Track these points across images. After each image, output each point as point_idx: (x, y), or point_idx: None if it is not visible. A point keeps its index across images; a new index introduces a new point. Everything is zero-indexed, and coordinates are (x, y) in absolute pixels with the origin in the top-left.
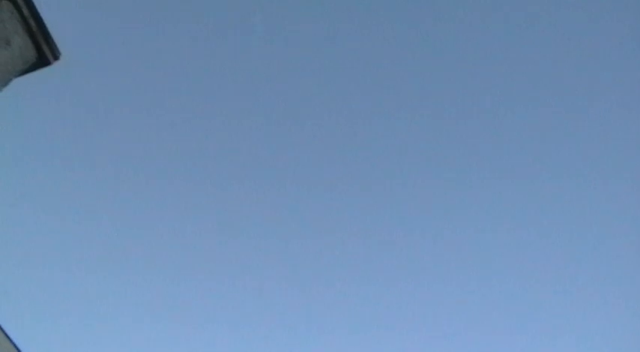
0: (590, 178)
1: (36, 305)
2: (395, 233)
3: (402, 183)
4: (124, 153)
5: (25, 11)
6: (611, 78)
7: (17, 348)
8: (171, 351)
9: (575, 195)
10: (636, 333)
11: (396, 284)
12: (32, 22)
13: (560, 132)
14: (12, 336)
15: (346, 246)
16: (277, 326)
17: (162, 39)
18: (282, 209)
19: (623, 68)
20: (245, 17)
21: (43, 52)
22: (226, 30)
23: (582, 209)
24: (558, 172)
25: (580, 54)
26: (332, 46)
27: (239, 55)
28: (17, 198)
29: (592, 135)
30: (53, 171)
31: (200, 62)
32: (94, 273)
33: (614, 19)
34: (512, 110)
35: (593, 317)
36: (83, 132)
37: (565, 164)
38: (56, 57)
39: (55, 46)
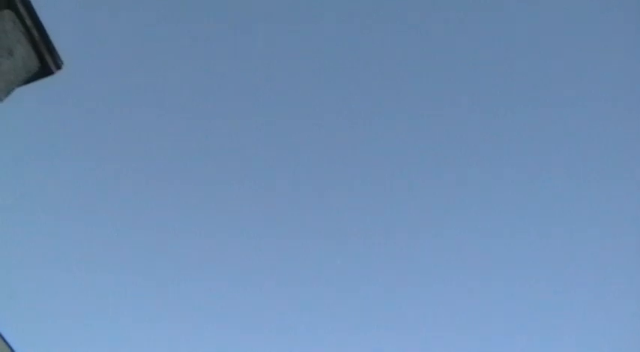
0: (590, 178)
1: (31, 306)
2: (394, 233)
3: (401, 183)
4: (125, 160)
5: (28, 21)
6: (611, 78)
7: (11, 348)
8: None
9: (574, 194)
10: (636, 333)
11: (395, 284)
12: (35, 32)
13: (559, 132)
14: (7, 338)
15: (346, 246)
16: (277, 326)
17: (164, 49)
18: (281, 209)
19: (623, 68)
20: (245, 18)
21: (45, 61)
22: (227, 43)
23: (582, 209)
24: (558, 172)
25: (579, 53)
26: (331, 45)
27: (239, 59)
28: (19, 204)
29: (592, 135)
30: (55, 179)
31: (202, 72)
32: (91, 274)
33: (614, 19)
34: (512, 109)
35: (594, 317)
36: (85, 141)
37: (565, 164)
38: (59, 66)
39: (58, 55)
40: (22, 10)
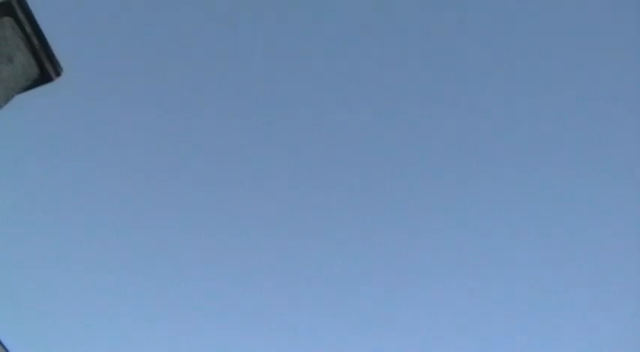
0: (590, 178)
1: (28, 306)
2: (394, 232)
3: (401, 183)
4: (125, 166)
5: (28, 28)
6: (612, 77)
7: (5, 349)
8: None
9: (575, 194)
10: (636, 333)
11: (395, 284)
12: (34, 39)
13: (560, 131)
14: (3, 339)
15: (346, 246)
16: (277, 326)
17: (164, 57)
18: (281, 208)
19: (623, 68)
20: (244, 18)
21: (45, 68)
22: (224, 49)
23: (583, 208)
24: (559, 171)
25: (579, 53)
26: (330, 44)
27: (237, 62)
28: (18, 209)
29: (592, 135)
30: (55, 185)
31: (201, 78)
32: (89, 274)
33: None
34: (512, 108)
35: (594, 317)
36: (85, 147)
37: (565, 163)
38: (58, 73)
39: (57, 62)
40: (21, 17)
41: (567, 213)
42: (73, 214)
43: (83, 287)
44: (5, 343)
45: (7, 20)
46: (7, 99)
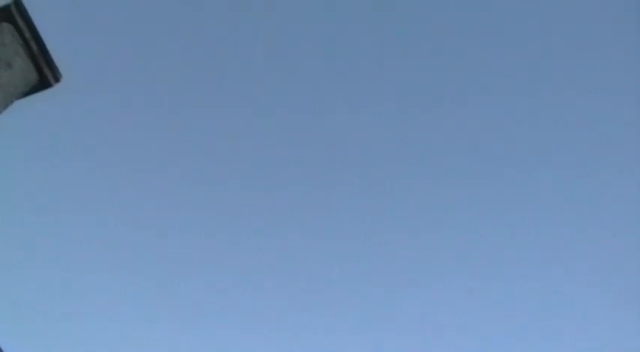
0: (590, 178)
1: (26, 307)
2: (394, 232)
3: (401, 182)
4: (124, 171)
5: (27, 34)
6: (611, 77)
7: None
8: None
9: (576, 193)
10: (636, 333)
11: (395, 283)
12: (33, 45)
13: (560, 130)
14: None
15: (345, 245)
16: (277, 326)
17: (163, 63)
18: (281, 208)
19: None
20: (243, 17)
21: (44, 74)
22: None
23: (583, 207)
24: (559, 170)
25: (577, 53)
26: (329, 43)
27: (237, 65)
28: (17, 214)
29: (591, 135)
30: (54, 190)
31: (202, 78)
32: (88, 275)
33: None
34: (512, 108)
35: (594, 317)
36: (84, 153)
37: (565, 163)
38: (57, 79)
39: (56, 68)
40: (20, 22)
41: (568, 213)
42: (73, 217)
43: (83, 288)
44: (2, 343)
45: (6, 26)
46: (6, 104)
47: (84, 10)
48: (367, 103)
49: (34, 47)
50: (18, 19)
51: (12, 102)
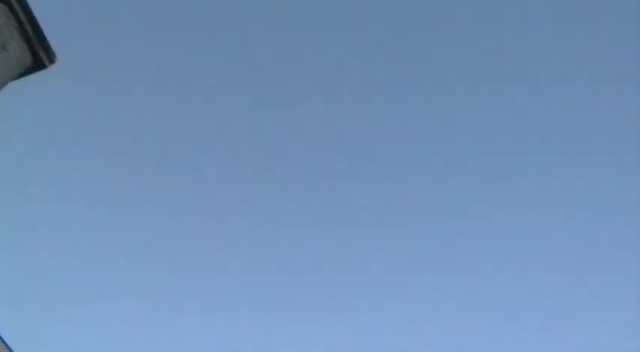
0: (590, 176)
1: (30, 304)
2: (394, 230)
3: (402, 181)
4: (120, 154)
5: (22, 16)
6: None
7: (10, 349)
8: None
9: (577, 192)
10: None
11: (396, 282)
12: (28, 27)
13: (561, 129)
14: (5, 338)
15: (346, 243)
16: (279, 325)
17: (159, 44)
18: (281, 207)
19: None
20: (241, 18)
21: (39, 56)
22: (223, 29)
23: (584, 206)
24: (560, 169)
25: (576, 53)
26: (329, 41)
27: (238, 52)
28: (14, 199)
29: (591, 135)
30: (49, 173)
31: (196, 62)
32: (90, 273)
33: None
34: (512, 107)
35: (593, 317)
36: (79, 135)
37: (565, 161)
38: (52, 61)
39: (51, 50)
40: (15, 4)
41: (569, 212)
42: (66, 201)
43: (85, 285)
44: (8, 342)
45: (1, 8)
46: (1, 87)
47: None
48: (368, 102)
49: (29, 29)
50: (13, 1)
51: (6, 83)
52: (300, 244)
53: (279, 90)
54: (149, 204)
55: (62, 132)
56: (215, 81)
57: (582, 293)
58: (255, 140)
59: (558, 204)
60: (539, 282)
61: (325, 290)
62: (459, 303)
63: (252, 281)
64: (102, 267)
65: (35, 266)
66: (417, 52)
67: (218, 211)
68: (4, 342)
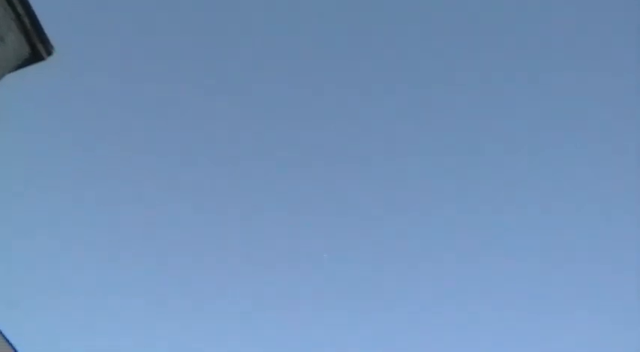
0: (590, 177)
1: (32, 303)
2: (395, 229)
3: (402, 181)
4: (118, 148)
5: (19, 8)
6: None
7: (14, 349)
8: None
9: (577, 191)
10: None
11: (397, 282)
12: (26, 20)
13: (562, 128)
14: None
15: (345, 244)
16: (278, 325)
17: (157, 36)
18: (281, 206)
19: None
20: (241, 16)
21: (36, 48)
22: (223, 26)
23: (583, 206)
24: (561, 168)
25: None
26: (328, 41)
27: (237, 49)
28: (10, 195)
29: (591, 135)
30: (47, 167)
31: (195, 58)
32: (92, 271)
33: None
34: (512, 107)
35: (593, 317)
36: (77, 128)
37: (566, 161)
38: (50, 53)
39: (49, 42)
40: None
41: (569, 212)
42: (64, 192)
43: (88, 283)
44: (11, 340)
45: None
46: None
47: None
48: (367, 101)
49: (27, 22)
50: None
51: (4, 75)
52: (300, 244)
53: (279, 89)
54: (149, 201)
55: (60, 125)
56: (215, 80)
57: (582, 293)
58: (255, 140)
59: (558, 204)
60: (539, 282)
61: (325, 290)
62: (459, 304)
63: (252, 281)
64: (104, 265)
65: (37, 264)
66: (417, 51)
67: (216, 207)
68: (6, 340)
